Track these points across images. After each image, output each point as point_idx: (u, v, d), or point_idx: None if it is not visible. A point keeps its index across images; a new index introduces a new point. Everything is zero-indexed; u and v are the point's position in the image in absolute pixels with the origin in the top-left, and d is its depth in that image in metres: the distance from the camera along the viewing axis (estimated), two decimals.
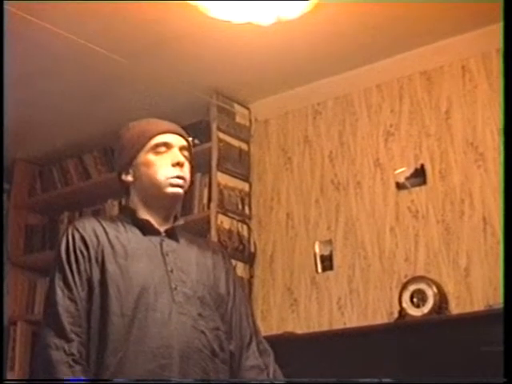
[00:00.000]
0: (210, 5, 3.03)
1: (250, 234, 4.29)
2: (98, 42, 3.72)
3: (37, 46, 3.78)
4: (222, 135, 4.34)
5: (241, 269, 4.09)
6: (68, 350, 2.06)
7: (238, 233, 4.23)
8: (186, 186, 2.33)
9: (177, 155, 2.31)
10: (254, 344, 2.34)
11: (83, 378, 2.05)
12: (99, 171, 4.87)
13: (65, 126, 4.69)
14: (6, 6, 2.92)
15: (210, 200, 4.22)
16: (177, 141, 2.35)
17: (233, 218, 4.23)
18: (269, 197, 4.36)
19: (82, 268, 2.18)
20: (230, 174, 4.31)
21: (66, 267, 2.18)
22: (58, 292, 2.14)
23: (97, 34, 3.68)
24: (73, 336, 2.08)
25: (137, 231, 2.28)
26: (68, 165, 5.02)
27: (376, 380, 2.80)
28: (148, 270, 2.20)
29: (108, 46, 3.76)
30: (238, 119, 4.46)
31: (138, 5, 3.45)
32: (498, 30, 2.86)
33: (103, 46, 3.75)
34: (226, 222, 4.17)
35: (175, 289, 2.20)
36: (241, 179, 4.37)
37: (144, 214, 2.31)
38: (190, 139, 4.07)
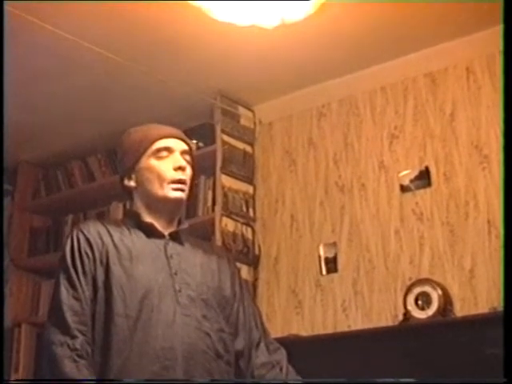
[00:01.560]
0: (214, 7, 3.03)
1: (254, 236, 4.28)
2: (101, 44, 3.72)
3: (39, 48, 3.78)
4: (226, 138, 4.33)
5: (245, 271, 4.08)
6: (72, 346, 2.07)
7: (243, 235, 4.22)
8: (187, 189, 2.34)
9: (178, 159, 2.32)
10: (263, 344, 2.36)
11: (88, 378, 2.05)
12: (103, 173, 4.86)
13: (69, 128, 4.69)
14: (7, 7, 2.91)
15: (214, 203, 4.22)
16: (178, 145, 2.35)
17: (237, 220, 4.23)
18: (273, 199, 4.35)
19: (86, 268, 2.19)
20: (234, 177, 4.30)
21: (71, 268, 2.19)
22: (63, 291, 2.15)
23: (100, 36, 3.69)
24: (77, 333, 2.09)
25: (141, 234, 2.29)
26: (72, 167, 5.02)
27: (380, 380, 2.81)
28: (152, 272, 2.21)
29: (111, 48, 3.76)
30: (242, 121, 4.46)
31: (141, 7, 3.45)
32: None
33: (106, 48, 3.75)
34: (230, 225, 4.17)
35: (179, 291, 2.20)
36: (245, 181, 4.37)
37: (148, 218, 2.31)
38: (194, 142, 4.15)
